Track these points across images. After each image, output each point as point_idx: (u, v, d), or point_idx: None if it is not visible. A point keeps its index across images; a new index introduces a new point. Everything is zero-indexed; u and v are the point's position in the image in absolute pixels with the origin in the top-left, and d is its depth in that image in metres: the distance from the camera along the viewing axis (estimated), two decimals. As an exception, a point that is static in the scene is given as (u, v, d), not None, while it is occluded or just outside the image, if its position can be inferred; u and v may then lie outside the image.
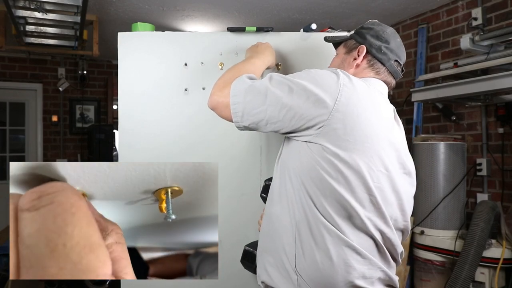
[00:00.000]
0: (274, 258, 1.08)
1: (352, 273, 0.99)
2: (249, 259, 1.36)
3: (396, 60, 1.18)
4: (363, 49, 1.17)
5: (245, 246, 1.39)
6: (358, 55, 1.18)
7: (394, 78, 1.20)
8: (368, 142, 1.01)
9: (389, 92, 1.21)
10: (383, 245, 1.05)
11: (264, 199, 1.40)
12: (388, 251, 1.07)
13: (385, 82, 1.18)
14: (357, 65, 1.17)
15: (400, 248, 1.10)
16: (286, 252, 1.05)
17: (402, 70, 1.21)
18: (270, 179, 1.42)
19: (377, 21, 1.24)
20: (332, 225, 1.00)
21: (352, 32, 1.25)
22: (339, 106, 1.00)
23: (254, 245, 1.38)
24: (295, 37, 1.51)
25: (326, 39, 1.34)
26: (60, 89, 5.01)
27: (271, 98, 1.03)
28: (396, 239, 1.08)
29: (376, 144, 1.02)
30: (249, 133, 1.48)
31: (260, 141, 1.49)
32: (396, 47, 1.18)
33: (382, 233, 1.04)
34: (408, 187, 1.13)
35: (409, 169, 1.13)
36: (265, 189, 1.40)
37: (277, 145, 1.50)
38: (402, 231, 1.13)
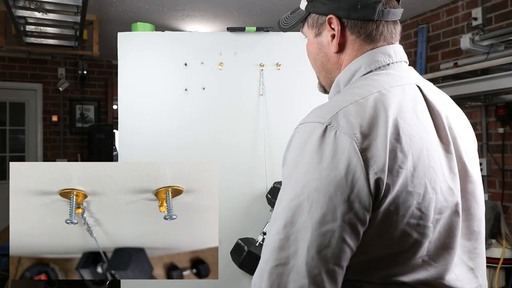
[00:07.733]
0: None
1: None
2: (238, 252, 1.36)
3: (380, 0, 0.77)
4: (332, 19, 0.79)
5: (239, 239, 1.39)
6: (333, 30, 0.80)
7: (396, 22, 0.81)
8: None
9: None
10: None
11: (269, 200, 1.39)
12: None
13: (390, 42, 0.80)
14: (341, 45, 0.80)
15: None
16: None
17: (398, 0, 0.81)
18: (280, 183, 1.41)
19: None
20: None
21: (305, 3, 0.86)
22: None
23: (247, 240, 1.38)
24: (295, 37, 1.51)
25: (283, 28, 0.94)
26: (60, 89, 5.01)
27: None
28: None
29: None
30: (250, 134, 1.48)
31: (264, 141, 1.48)
32: None
33: None
34: None
35: None
36: (273, 191, 1.39)
37: (283, 146, 1.50)
38: None
